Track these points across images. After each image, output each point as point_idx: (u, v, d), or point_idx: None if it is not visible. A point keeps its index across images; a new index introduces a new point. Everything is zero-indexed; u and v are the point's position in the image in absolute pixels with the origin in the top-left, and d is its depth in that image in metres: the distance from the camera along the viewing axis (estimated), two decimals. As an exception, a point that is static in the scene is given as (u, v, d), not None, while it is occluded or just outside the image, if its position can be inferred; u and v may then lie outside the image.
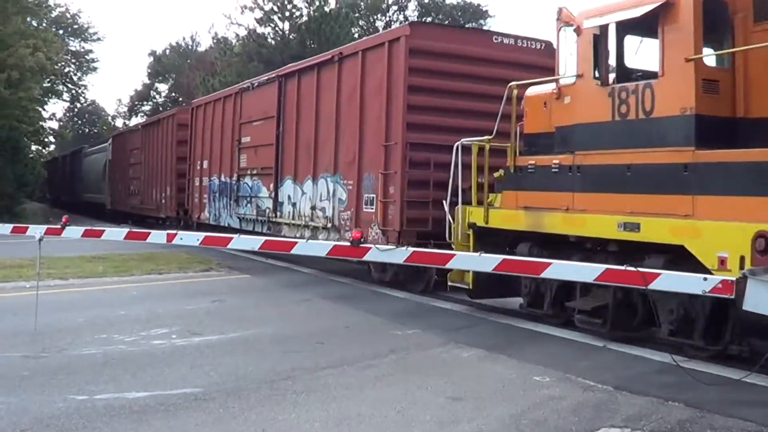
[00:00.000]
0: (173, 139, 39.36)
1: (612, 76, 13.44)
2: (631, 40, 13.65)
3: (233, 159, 30.02)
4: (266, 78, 28.19)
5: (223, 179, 31.34)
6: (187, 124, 36.75)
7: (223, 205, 31.37)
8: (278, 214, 25.80)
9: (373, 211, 20.02)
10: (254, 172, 28.18)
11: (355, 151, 20.95)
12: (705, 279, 8.66)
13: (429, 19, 70.87)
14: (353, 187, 20.96)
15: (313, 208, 23.31)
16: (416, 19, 77.43)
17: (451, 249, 15.60)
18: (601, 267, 9.59)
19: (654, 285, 9.03)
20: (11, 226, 15.94)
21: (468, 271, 15.79)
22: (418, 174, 19.08)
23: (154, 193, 43.12)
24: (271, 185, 26.28)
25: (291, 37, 63.16)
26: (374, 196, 20.02)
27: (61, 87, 74.40)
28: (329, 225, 22.17)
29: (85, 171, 68.00)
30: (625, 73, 13.34)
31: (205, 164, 33.71)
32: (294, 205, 24.70)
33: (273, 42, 63.75)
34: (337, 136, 21.99)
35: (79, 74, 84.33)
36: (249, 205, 28.51)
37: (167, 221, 40.22)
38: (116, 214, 52.87)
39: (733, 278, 8.40)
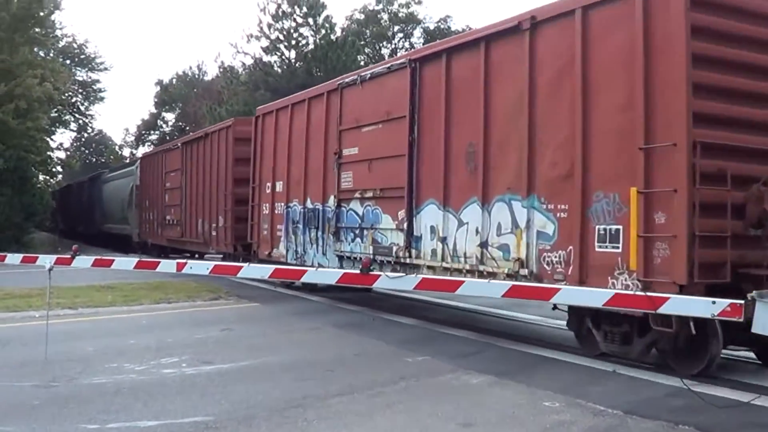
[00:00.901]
0: (229, 157, 31.16)
1: None
2: None
3: (328, 178, 22.43)
4: (386, 66, 20.84)
5: (310, 205, 23.65)
6: (249, 138, 29.02)
7: (311, 238, 23.54)
8: (413, 252, 18.47)
9: (619, 251, 12.96)
10: (368, 195, 20.44)
11: (573, 158, 14.04)
12: (714, 302, 8.68)
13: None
14: (569, 214, 14.13)
15: (483, 245, 16.24)
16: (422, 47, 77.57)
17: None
18: (611, 292, 9.61)
19: (662, 309, 9.05)
20: (21, 255, 16.03)
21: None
22: (710, 194, 12.05)
23: (199, 224, 34.69)
24: (401, 212, 18.93)
25: (297, 65, 63.28)
26: (619, 228, 12.99)
27: (68, 117, 74.61)
28: (521, 270, 15.05)
29: (106, 199, 60.98)
30: None
31: (279, 187, 25.76)
32: (444, 240, 17.48)
33: (279, 70, 63.85)
34: (531, 138, 15.05)
35: (86, 104, 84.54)
36: (358, 239, 20.88)
37: (223, 259, 31.39)
38: (146, 248, 44.87)
39: (742, 302, 8.42)
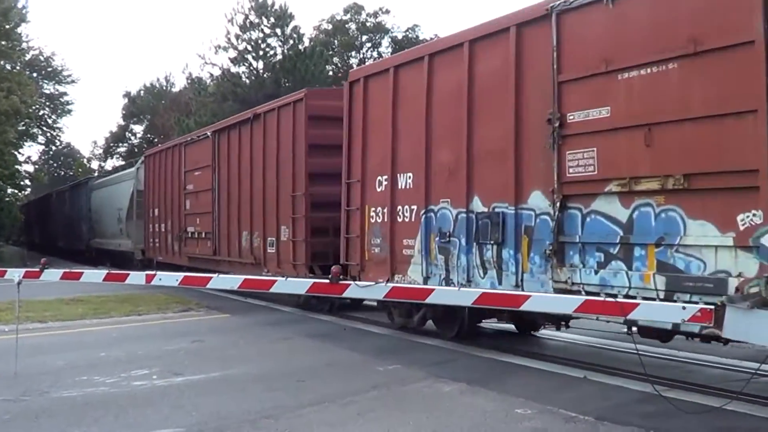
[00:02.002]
0: (299, 143, 22.63)
1: None
2: None
3: (528, 163, 14.48)
4: None
5: (480, 208, 15.50)
6: (330, 116, 21.60)
7: (485, 260, 15.37)
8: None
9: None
10: (645, 186, 12.16)
11: None
12: (684, 308, 8.71)
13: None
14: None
15: None
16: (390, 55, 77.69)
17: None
18: (581, 299, 9.63)
19: (632, 315, 9.08)
20: (-12, 270, 15.88)
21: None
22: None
23: (244, 238, 26.28)
24: (746, 217, 10.69)
25: (265, 76, 63.29)
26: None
27: (36, 130, 74.03)
28: None
29: (96, 209, 54.33)
30: None
31: (405, 182, 17.74)
32: None
33: (247, 81, 63.83)
34: None
35: (53, 117, 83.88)
36: (616, 263, 12.56)
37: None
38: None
39: (712, 307, 8.47)
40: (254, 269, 24.68)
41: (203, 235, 30.05)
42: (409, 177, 17.57)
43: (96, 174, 66.39)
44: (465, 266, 15.68)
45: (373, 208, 18.77)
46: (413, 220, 17.27)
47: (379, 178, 18.50)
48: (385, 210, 18.26)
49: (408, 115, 17.64)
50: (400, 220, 17.78)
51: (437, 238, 16.46)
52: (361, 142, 19.15)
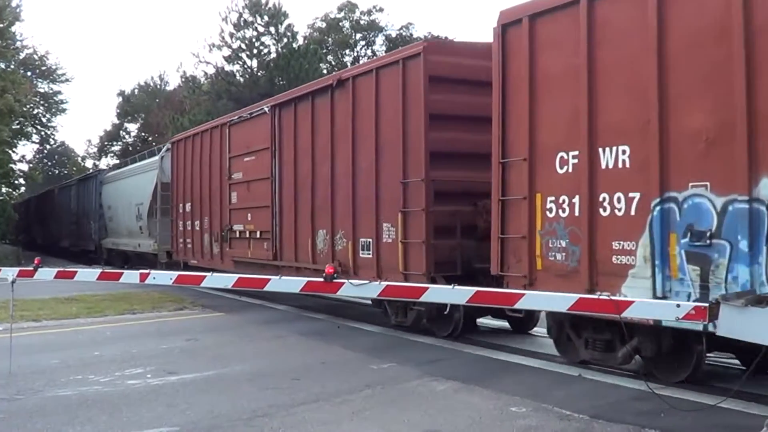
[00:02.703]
0: (412, 113, 17.40)
1: None
2: None
3: None
4: None
5: None
6: (461, 78, 17.35)
7: None
8: None
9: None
10: None
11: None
12: (678, 306, 8.69)
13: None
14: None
15: None
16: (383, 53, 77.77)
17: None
18: (575, 296, 9.60)
19: (626, 313, 9.06)
20: (-18, 268, 15.79)
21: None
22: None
23: (319, 238, 21.06)
24: None
25: (259, 74, 63.26)
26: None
27: (30, 129, 73.81)
28: None
29: (108, 205, 48.27)
30: None
31: (615, 158, 12.67)
32: None
33: (242, 80, 63.81)
34: None
35: (48, 116, 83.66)
36: None
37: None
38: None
39: (706, 304, 8.46)
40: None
41: (258, 234, 24.54)
42: (623, 151, 12.46)
43: (108, 167, 57.76)
44: (746, 282, 10.53)
45: (550, 198, 13.77)
46: (633, 213, 12.26)
47: (562, 154, 13.50)
48: (576, 200, 13.25)
49: (617, 62, 12.68)
50: (605, 213, 12.73)
51: (685, 240, 11.46)
52: (527, 105, 14.20)
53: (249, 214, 25.18)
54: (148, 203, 38.35)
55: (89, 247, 53.87)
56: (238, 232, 26.14)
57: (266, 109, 23.98)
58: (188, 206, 31.06)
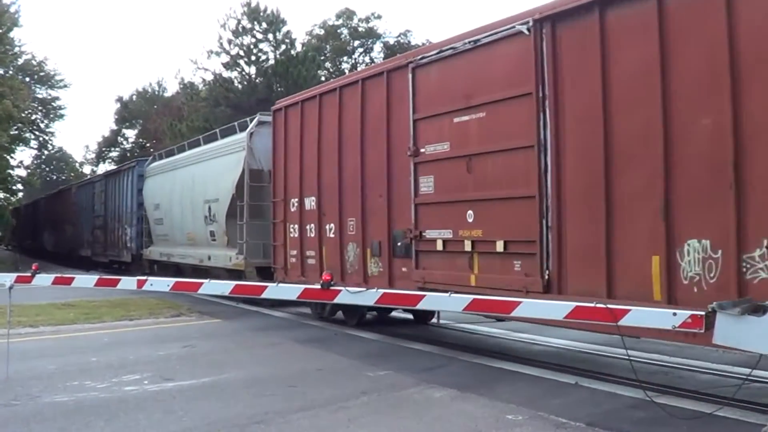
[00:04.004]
0: None
1: None
2: None
3: None
4: None
5: None
6: None
7: None
8: None
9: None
10: None
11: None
12: (675, 314, 8.70)
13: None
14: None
15: None
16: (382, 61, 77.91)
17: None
18: (571, 305, 9.61)
19: (623, 321, 9.07)
20: (-21, 274, 15.72)
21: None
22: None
23: (675, 253, 11.67)
24: None
25: (258, 80, 63.32)
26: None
27: (28, 134, 73.91)
28: None
29: (154, 203, 37.40)
30: None
31: None
32: None
33: (240, 86, 63.89)
34: None
35: (46, 121, 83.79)
36: None
37: None
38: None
39: (703, 312, 8.47)
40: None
41: (497, 246, 15.17)
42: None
43: (155, 153, 42.41)
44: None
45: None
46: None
47: None
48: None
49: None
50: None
51: None
52: None
53: (470, 212, 15.92)
54: (228, 200, 27.22)
55: (122, 257, 43.31)
56: (439, 242, 16.78)
57: (524, 29, 14.65)
58: (310, 202, 21.87)
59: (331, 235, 20.70)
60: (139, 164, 41.54)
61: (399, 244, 17.84)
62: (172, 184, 34.60)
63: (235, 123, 29.48)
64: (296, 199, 22.43)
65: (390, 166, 18.18)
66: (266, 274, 24.80)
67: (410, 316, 22.71)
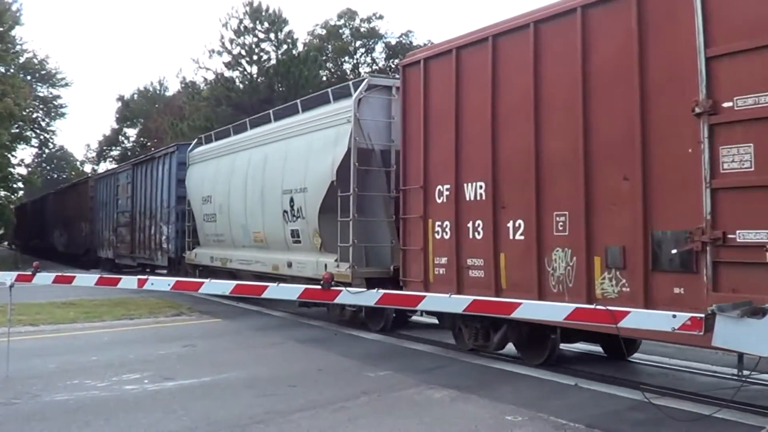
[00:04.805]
0: None
1: None
2: None
3: None
4: None
5: None
6: None
7: None
8: None
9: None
10: None
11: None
12: (674, 316, 8.70)
13: (395, 62, 69.90)
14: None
15: None
16: (383, 62, 78.05)
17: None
18: (571, 306, 9.61)
19: (623, 323, 9.08)
20: (-20, 272, 15.67)
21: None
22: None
23: None
24: None
25: (259, 80, 63.29)
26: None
27: (29, 133, 73.93)
28: None
29: (202, 195, 30.58)
30: None
31: None
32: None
33: (241, 86, 63.85)
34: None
35: (47, 120, 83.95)
36: None
37: None
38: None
39: (702, 315, 8.47)
40: None
41: None
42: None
43: (198, 138, 35.19)
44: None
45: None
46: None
47: None
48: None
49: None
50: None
51: None
52: None
53: None
54: (324, 189, 20.79)
55: (155, 260, 37.04)
56: None
57: None
58: (475, 189, 15.95)
59: (518, 237, 14.83)
60: (180, 149, 34.42)
61: (673, 251, 11.97)
62: (229, 172, 28.22)
63: (328, 90, 22.77)
64: (447, 186, 16.60)
65: (646, 131, 12.32)
66: (378, 287, 15.67)
67: (596, 349, 17.00)
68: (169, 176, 34.88)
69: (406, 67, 18.37)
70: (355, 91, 20.03)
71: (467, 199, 15.96)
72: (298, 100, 24.79)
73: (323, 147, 21.12)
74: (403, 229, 18.02)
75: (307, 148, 22.16)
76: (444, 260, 16.52)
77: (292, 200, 22.75)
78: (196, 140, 34.21)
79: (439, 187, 16.82)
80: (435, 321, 19.97)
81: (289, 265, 23.02)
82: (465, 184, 16.05)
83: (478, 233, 15.63)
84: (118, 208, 44.05)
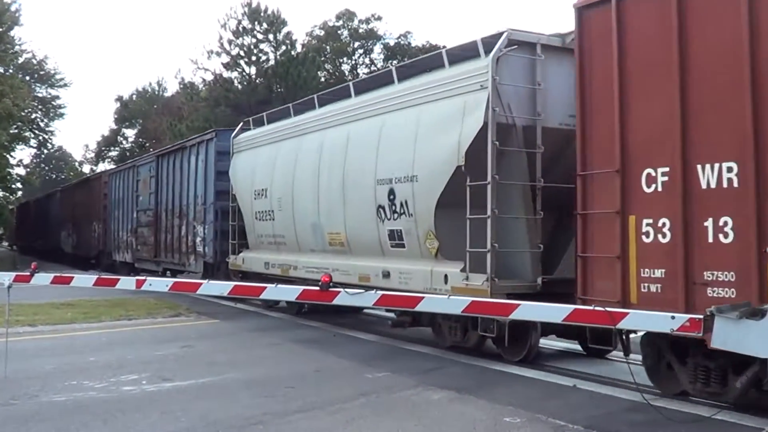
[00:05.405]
0: None
1: None
2: None
3: None
4: None
5: None
6: None
7: None
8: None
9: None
10: None
11: None
12: (673, 318, 8.70)
13: (395, 62, 69.82)
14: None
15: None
16: (382, 63, 78.11)
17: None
18: (570, 307, 9.61)
19: (621, 324, 9.08)
20: (-22, 273, 15.63)
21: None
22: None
23: None
24: None
25: (258, 81, 63.39)
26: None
27: (28, 133, 73.90)
28: None
29: (255, 188, 25.26)
30: None
31: None
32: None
33: (240, 86, 63.98)
34: None
35: (46, 120, 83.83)
36: None
37: None
38: None
39: (701, 316, 8.47)
40: None
41: None
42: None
43: (245, 121, 28.50)
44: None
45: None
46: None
47: None
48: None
49: None
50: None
51: None
52: None
53: None
54: (446, 177, 15.91)
55: (187, 265, 31.72)
56: None
57: None
58: (715, 173, 11.50)
59: None
60: (220, 135, 29.75)
61: None
62: (291, 159, 22.99)
63: (442, 51, 17.13)
64: (664, 169, 12.13)
65: None
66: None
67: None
68: (205, 168, 30.09)
69: (585, 10, 13.57)
70: (488, 50, 15.24)
71: (703, 186, 11.43)
72: (392, 67, 19.55)
73: (442, 122, 16.23)
74: (582, 229, 13.47)
75: (416, 124, 17.19)
76: (660, 273, 11.98)
77: (392, 192, 17.76)
78: (241, 124, 28.48)
79: (649, 170, 12.26)
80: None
81: (386, 275, 17.97)
82: (699, 166, 11.48)
83: (725, 235, 11.08)
84: (139, 206, 39.25)
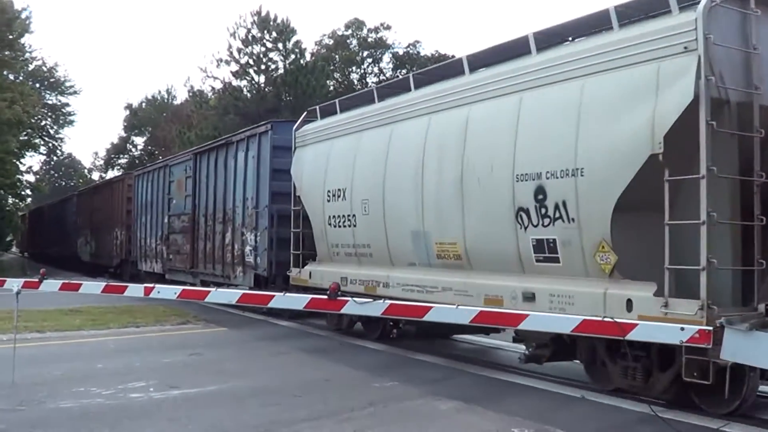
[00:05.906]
0: None
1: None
2: None
3: None
4: None
5: None
6: None
7: None
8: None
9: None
10: None
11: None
12: (682, 329, 8.66)
13: (403, 72, 69.80)
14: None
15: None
16: (391, 72, 78.16)
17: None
18: (579, 318, 9.58)
19: (631, 335, 9.05)
20: (-14, 279, 15.63)
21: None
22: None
23: None
24: None
25: (267, 90, 63.43)
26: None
27: (38, 140, 74.13)
28: None
29: (314, 189, 21.34)
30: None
31: None
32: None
33: (249, 95, 64.03)
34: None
35: (55, 127, 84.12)
36: None
37: None
38: None
39: (711, 328, 8.44)
40: None
41: None
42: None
43: (306, 112, 24.13)
44: None
45: None
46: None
47: None
48: None
49: None
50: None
51: None
52: None
53: None
54: (632, 168, 11.87)
55: (231, 278, 27.73)
56: None
57: None
58: None
59: None
60: (277, 128, 25.67)
61: None
62: (381, 152, 18.68)
63: (609, 8, 12.75)
64: None
65: None
66: None
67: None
68: (257, 165, 25.99)
69: None
70: (681, 3, 11.77)
71: None
72: (530, 34, 14.50)
73: (622, 98, 12.31)
74: None
75: (577, 101, 13.06)
76: None
77: (540, 191, 13.66)
78: (305, 113, 24.00)
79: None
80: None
81: (529, 298, 13.91)
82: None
83: None
84: (171, 210, 34.87)
